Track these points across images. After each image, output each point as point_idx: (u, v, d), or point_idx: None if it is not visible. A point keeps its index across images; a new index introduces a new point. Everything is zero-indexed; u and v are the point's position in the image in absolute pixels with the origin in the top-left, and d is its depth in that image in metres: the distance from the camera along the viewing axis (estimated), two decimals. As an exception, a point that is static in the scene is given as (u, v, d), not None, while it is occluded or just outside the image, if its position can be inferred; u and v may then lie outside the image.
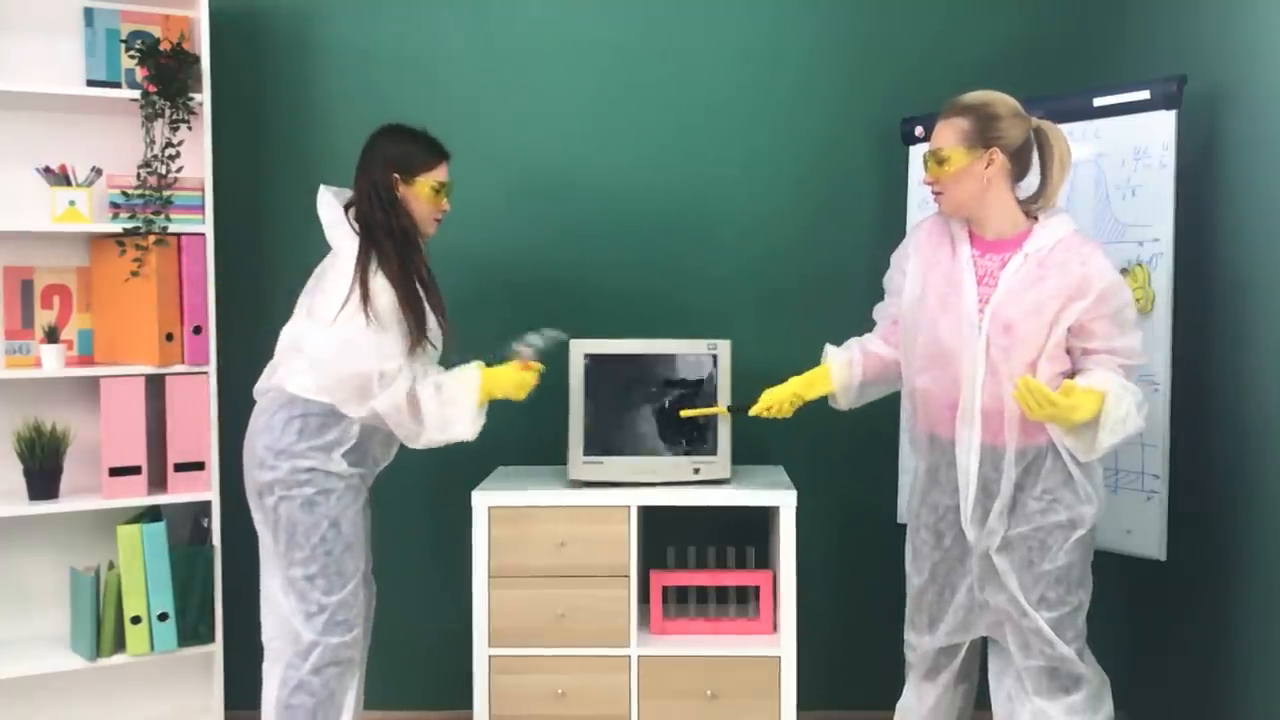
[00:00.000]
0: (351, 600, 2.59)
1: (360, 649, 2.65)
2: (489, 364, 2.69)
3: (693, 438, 3.00)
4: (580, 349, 2.98)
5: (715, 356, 3.00)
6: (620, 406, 2.99)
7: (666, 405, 2.97)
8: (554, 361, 3.07)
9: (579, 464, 2.98)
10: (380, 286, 2.52)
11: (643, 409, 3.00)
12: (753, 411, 2.78)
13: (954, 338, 2.44)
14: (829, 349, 2.77)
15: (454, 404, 2.59)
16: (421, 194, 2.63)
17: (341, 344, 2.49)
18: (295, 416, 2.55)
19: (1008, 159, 2.41)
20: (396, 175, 2.61)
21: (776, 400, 2.74)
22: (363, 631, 2.67)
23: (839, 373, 2.71)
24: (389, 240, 2.57)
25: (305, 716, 2.56)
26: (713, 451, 3.00)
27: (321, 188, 2.64)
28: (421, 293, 2.59)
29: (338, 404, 2.54)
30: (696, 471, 2.98)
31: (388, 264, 2.54)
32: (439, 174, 2.67)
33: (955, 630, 2.55)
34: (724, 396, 2.99)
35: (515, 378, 2.67)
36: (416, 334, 2.57)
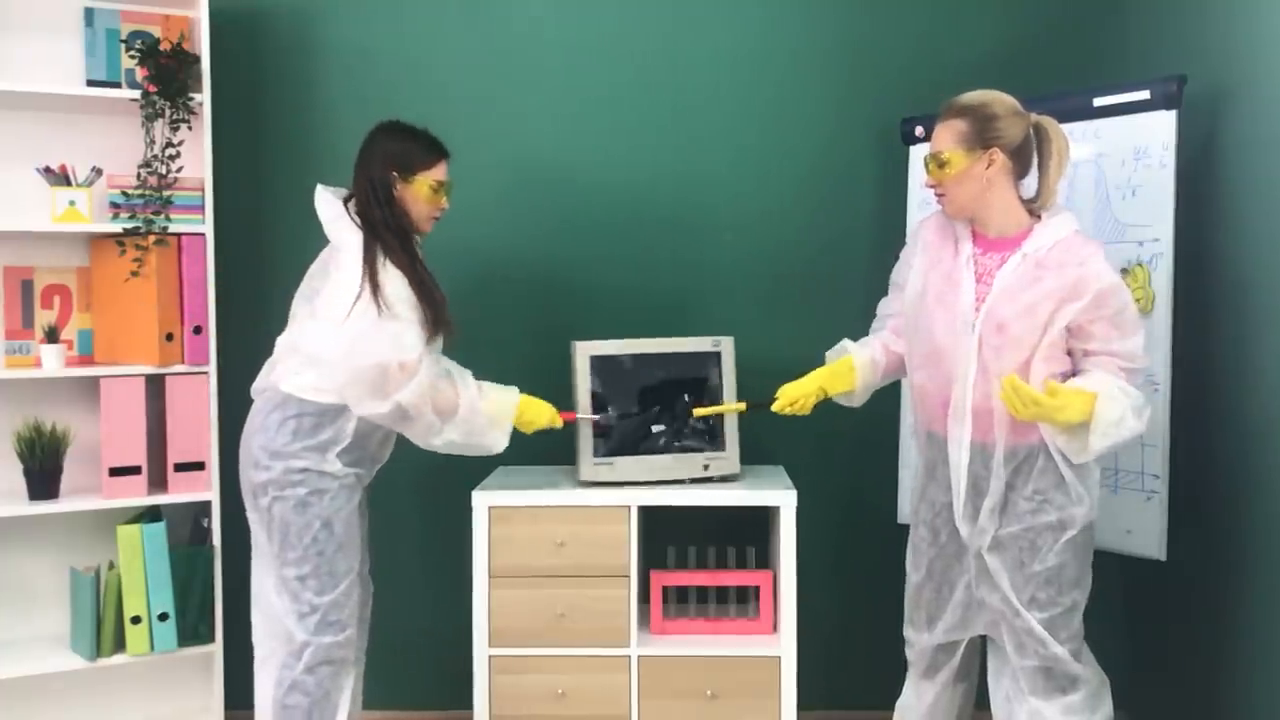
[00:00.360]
0: (344, 600, 2.58)
1: (354, 648, 2.64)
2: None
3: (702, 435, 3.00)
4: (585, 351, 2.97)
5: (719, 354, 3.00)
6: (626, 406, 2.98)
7: (686, 401, 2.94)
8: (558, 363, 3.08)
9: (589, 465, 2.97)
10: (391, 277, 2.51)
11: (649, 408, 2.99)
12: (775, 408, 2.73)
13: (948, 335, 2.44)
14: (848, 345, 2.73)
15: (494, 416, 2.63)
16: (420, 193, 2.63)
17: (355, 339, 2.47)
18: (290, 417, 2.54)
19: (1008, 158, 2.40)
20: (395, 173, 2.61)
21: (801, 395, 2.70)
22: (357, 631, 2.67)
23: (864, 372, 2.68)
24: (391, 236, 2.56)
25: (301, 716, 2.56)
26: (721, 448, 3.00)
27: (319, 187, 2.63)
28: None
29: (352, 402, 2.51)
30: (706, 468, 2.99)
31: (394, 256, 2.54)
32: (438, 173, 2.66)
33: (953, 628, 2.55)
34: (729, 393, 2.99)
35: (551, 416, 2.77)
36: (434, 323, 2.57)
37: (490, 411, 2.64)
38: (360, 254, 2.52)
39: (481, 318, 3.28)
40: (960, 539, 2.49)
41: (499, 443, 2.68)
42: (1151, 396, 2.61)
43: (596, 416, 2.93)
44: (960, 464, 2.44)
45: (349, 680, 2.63)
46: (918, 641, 2.62)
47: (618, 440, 2.97)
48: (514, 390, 2.73)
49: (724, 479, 3.02)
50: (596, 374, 2.96)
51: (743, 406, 2.90)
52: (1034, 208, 2.46)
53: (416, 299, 2.54)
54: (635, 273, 3.37)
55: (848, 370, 2.69)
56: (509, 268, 3.36)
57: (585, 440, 2.96)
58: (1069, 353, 2.41)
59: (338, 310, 2.50)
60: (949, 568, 2.54)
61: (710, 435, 3.01)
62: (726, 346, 3.01)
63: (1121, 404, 2.29)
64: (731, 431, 3.01)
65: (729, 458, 3.01)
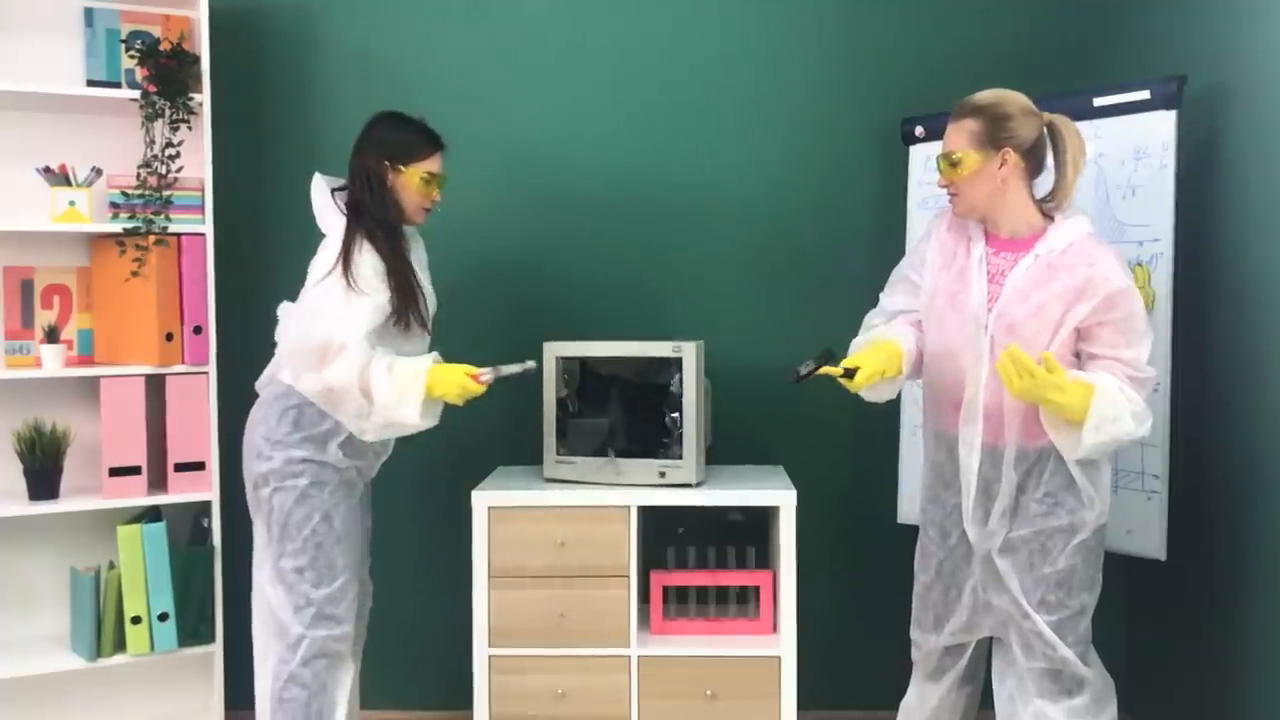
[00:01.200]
0: (340, 595, 2.58)
1: (350, 643, 2.64)
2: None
3: (660, 441, 2.96)
4: (553, 352, 2.98)
5: (680, 359, 2.92)
6: (592, 407, 2.99)
7: (831, 355, 2.53)
8: (539, 364, 3.07)
9: (552, 463, 3.01)
10: (366, 259, 2.52)
11: (613, 410, 2.99)
12: (856, 385, 2.49)
13: (959, 335, 2.43)
14: (889, 330, 2.59)
15: (403, 388, 2.50)
16: (411, 183, 2.64)
17: (313, 308, 2.49)
18: (290, 407, 2.55)
19: (1021, 158, 2.37)
20: (388, 162, 2.62)
21: (875, 372, 2.46)
22: (354, 628, 2.66)
23: (906, 360, 2.54)
24: (375, 223, 2.58)
25: (300, 709, 2.56)
26: (679, 455, 2.95)
27: (316, 174, 2.66)
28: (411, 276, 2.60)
29: (295, 378, 2.50)
30: (662, 475, 2.95)
31: (374, 241, 2.55)
32: (431, 164, 2.67)
33: (960, 630, 2.55)
34: (689, 398, 2.91)
35: (460, 382, 2.52)
36: (404, 305, 2.56)
37: (399, 385, 2.50)
38: (340, 236, 2.55)
39: (477, 317, 3.28)
40: (969, 540, 2.49)
41: (410, 418, 2.50)
42: (1151, 396, 2.60)
43: (508, 369, 2.60)
44: (971, 466, 2.44)
45: (347, 675, 2.63)
46: (924, 643, 2.62)
47: (579, 441, 2.99)
48: (426, 359, 2.55)
49: (680, 486, 2.94)
50: (564, 373, 2.98)
51: (840, 371, 2.54)
52: (1049, 208, 2.43)
53: (386, 286, 2.53)
54: (632, 274, 3.37)
55: (896, 355, 2.53)
56: (502, 267, 3.36)
57: (549, 439, 2.99)
58: (1077, 355, 2.39)
59: (310, 284, 2.53)
60: (958, 569, 2.53)
61: (669, 442, 2.95)
62: (688, 351, 2.91)
63: (1121, 406, 2.27)
64: (690, 441, 2.92)
65: (685, 466, 2.93)
